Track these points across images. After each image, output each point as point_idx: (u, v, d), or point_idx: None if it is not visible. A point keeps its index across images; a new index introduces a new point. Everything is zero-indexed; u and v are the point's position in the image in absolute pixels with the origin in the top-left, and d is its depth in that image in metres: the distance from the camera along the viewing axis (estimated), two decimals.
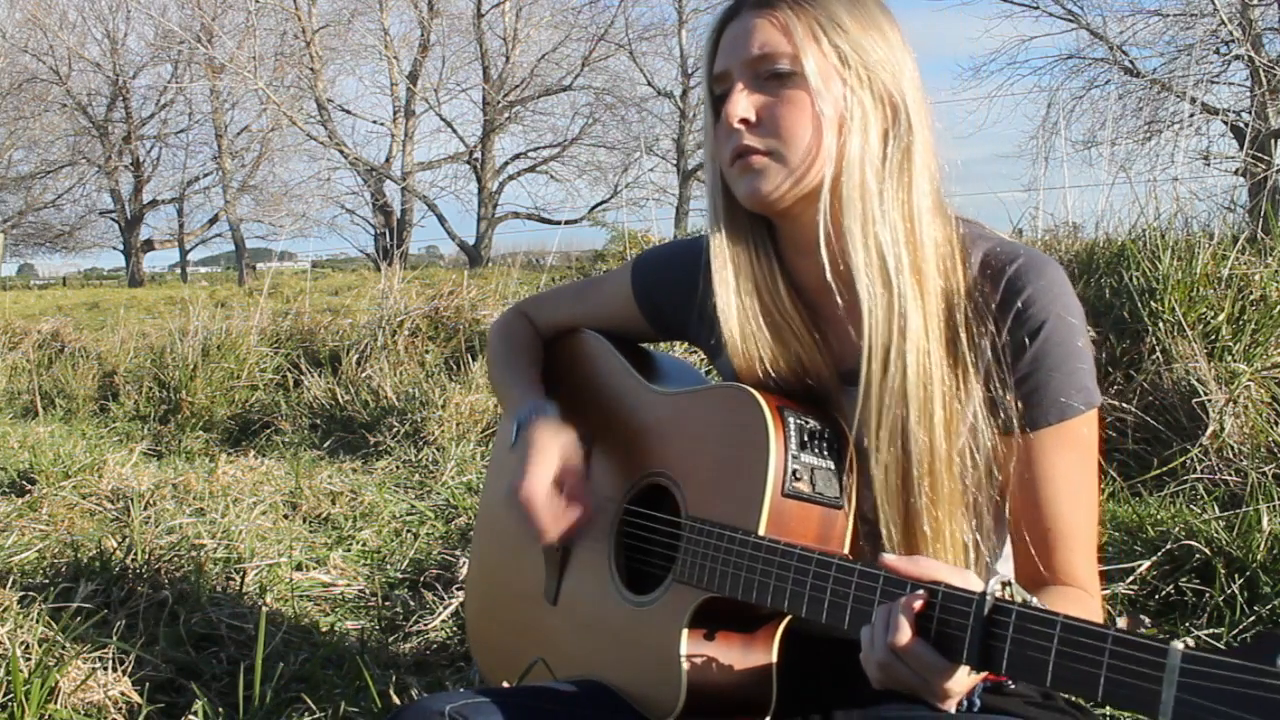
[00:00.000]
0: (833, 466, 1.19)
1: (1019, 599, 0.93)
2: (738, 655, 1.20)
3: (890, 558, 1.01)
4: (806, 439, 1.18)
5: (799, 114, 1.18)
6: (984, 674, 0.99)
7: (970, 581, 0.99)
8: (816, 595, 1.07)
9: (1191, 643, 0.79)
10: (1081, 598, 1.17)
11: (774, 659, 1.20)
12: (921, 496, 1.16)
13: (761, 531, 1.15)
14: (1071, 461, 1.18)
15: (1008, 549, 1.26)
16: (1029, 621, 0.89)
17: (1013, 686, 1.11)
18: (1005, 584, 0.94)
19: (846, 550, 1.18)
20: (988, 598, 0.92)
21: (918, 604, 0.97)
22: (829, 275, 1.20)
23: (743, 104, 1.20)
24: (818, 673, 1.26)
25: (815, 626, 1.10)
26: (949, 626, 0.95)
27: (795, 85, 1.19)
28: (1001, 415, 1.17)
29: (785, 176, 1.20)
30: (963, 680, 0.97)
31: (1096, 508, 1.22)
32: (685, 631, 1.19)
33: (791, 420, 1.18)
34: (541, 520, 1.34)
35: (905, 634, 0.96)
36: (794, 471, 1.16)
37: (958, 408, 1.17)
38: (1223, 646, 2.02)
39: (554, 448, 1.36)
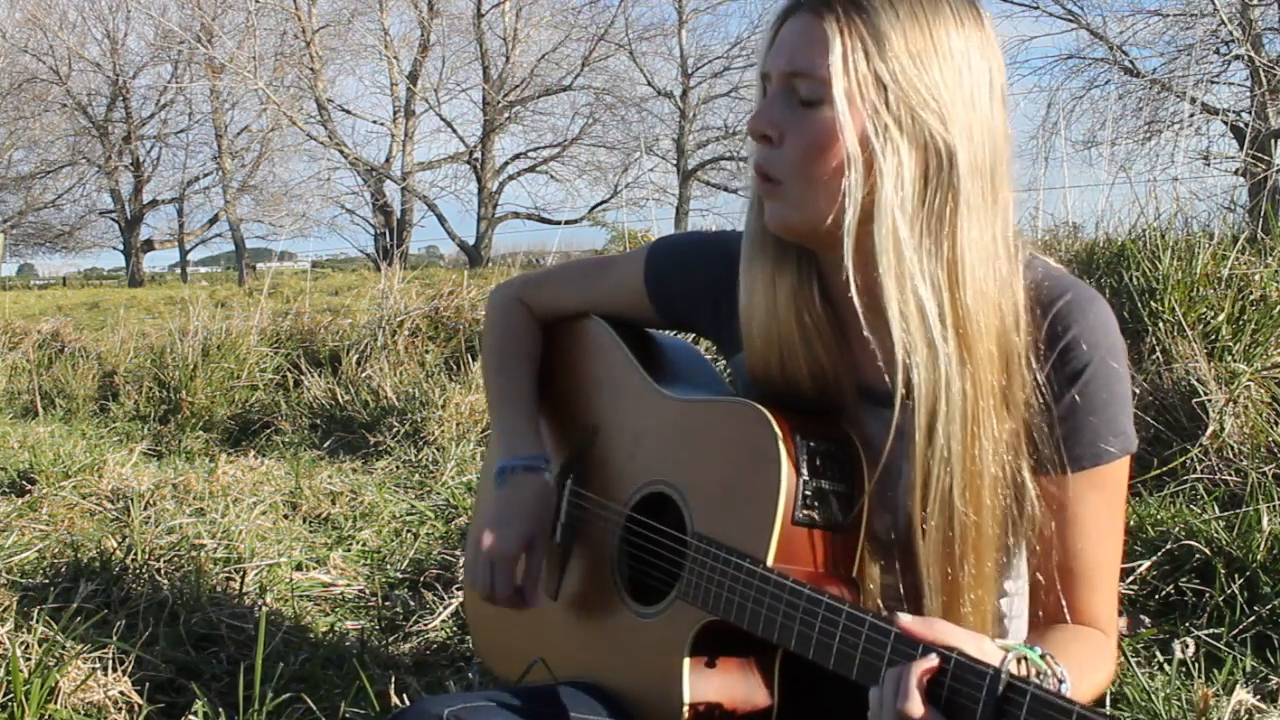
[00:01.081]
0: (844, 489, 1.16)
1: (1034, 670, 0.91)
2: (739, 682, 1.19)
3: (905, 619, 0.97)
4: (819, 462, 1.15)
5: (819, 144, 1.10)
6: None
7: (986, 650, 0.96)
8: (824, 640, 1.05)
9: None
10: (1097, 638, 1.15)
11: (775, 688, 1.19)
12: (963, 571, 1.13)
13: (770, 559, 1.12)
14: (1101, 504, 1.15)
15: (1020, 572, 1.24)
16: (1043, 705, 0.87)
17: None
18: (1020, 659, 0.92)
19: (855, 572, 1.17)
20: (1003, 674, 0.90)
21: (929, 674, 0.94)
22: (865, 329, 1.13)
23: (764, 119, 1.14)
24: (820, 699, 1.25)
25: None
26: (960, 696, 0.92)
27: (823, 113, 1.10)
28: (1039, 458, 1.14)
29: (795, 208, 1.14)
30: None
31: (1120, 549, 1.20)
32: (687, 661, 1.18)
33: (804, 443, 1.15)
34: (496, 581, 1.40)
35: (916, 705, 0.93)
36: (804, 498, 1.14)
37: (1007, 471, 1.12)
38: (1223, 646, 2.02)
39: (529, 520, 1.40)
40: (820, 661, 1.06)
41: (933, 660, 0.94)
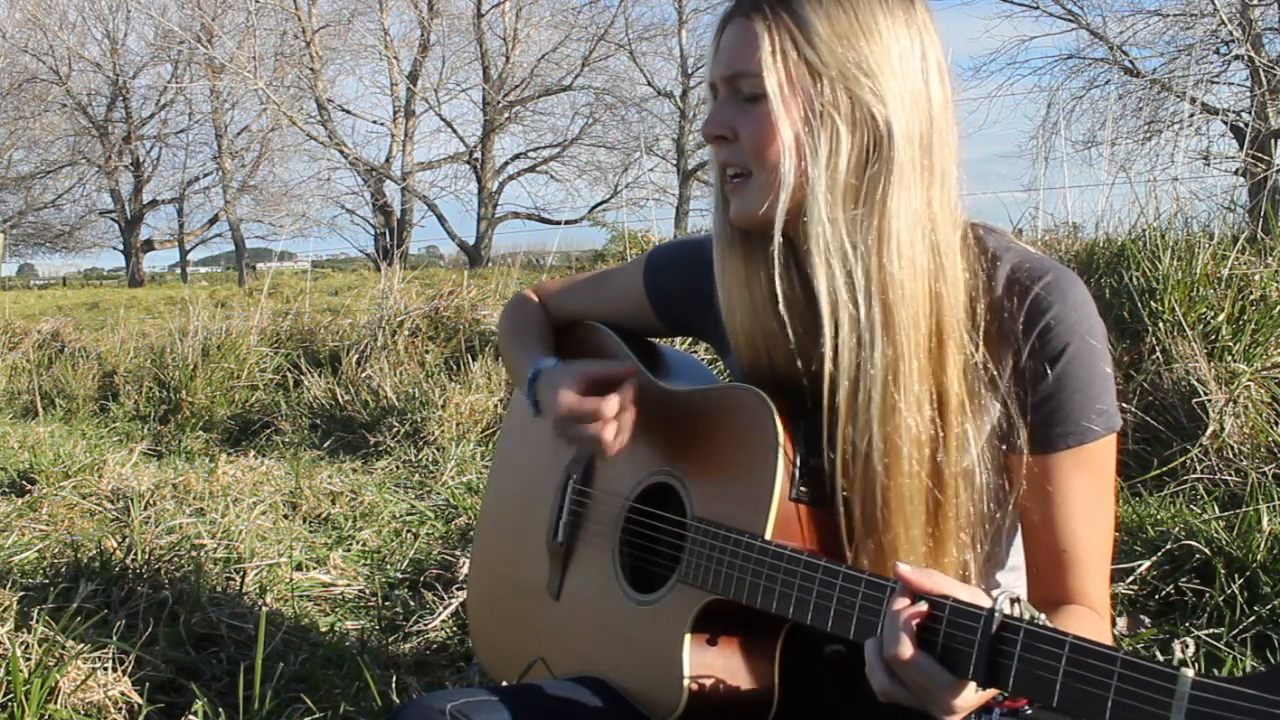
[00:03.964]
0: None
1: (1028, 616, 0.92)
2: (739, 661, 1.20)
3: (904, 568, 0.99)
4: (815, 443, 1.17)
5: (764, 135, 1.15)
6: (994, 692, 0.97)
7: (980, 598, 0.97)
8: (822, 603, 1.06)
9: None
10: (1091, 618, 1.16)
11: (775, 667, 1.20)
12: (888, 535, 1.13)
13: (768, 535, 1.14)
14: (1089, 484, 1.16)
15: (1014, 560, 1.25)
16: (1037, 640, 0.88)
17: (1029, 712, 1.09)
18: (1014, 600, 0.93)
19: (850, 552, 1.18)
20: (996, 614, 0.91)
21: (917, 618, 0.96)
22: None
23: (713, 121, 1.19)
24: (819, 681, 1.26)
25: (819, 632, 1.09)
26: (955, 641, 0.94)
27: (762, 105, 1.15)
28: (1016, 435, 1.15)
29: (760, 197, 1.18)
30: (970, 697, 0.96)
31: (1112, 530, 1.20)
32: (688, 637, 1.19)
33: (800, 424, 1.17)
34: (595, 416, 1.29)
35: (906, 648, 0.95)
36: (801, 476, 1.16)
37: (934, 435, 1.13)
38: (1223, 646, 2.02)
39: (567, 378, 1.34)
40: (818, 625, 1.07)
41: (921, 606, 0.96)
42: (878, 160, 1.13)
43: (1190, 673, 0.78)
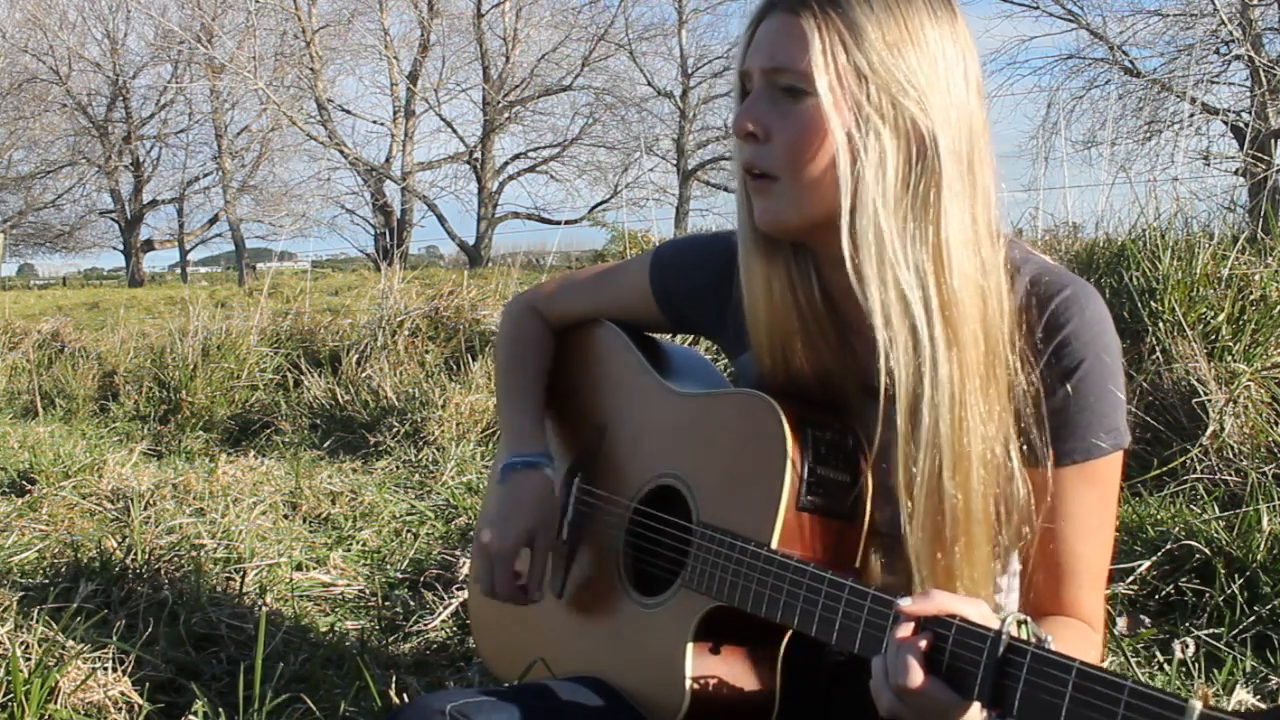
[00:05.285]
0: (848, 480, 1.17)
1: (1033, 637, 0.92)
2: (742, 669, 1.19)
3: (904, 603, 0.98)
4: (824, 451, 1.16)
5: (806, 137, 1.12)
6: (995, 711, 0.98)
7: (984, 613, 0.96)
8: (827, 616, 1.06)
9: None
10: (1084, 630, 1.16)
11: (777, 674, 1.19)
12: (954, 554, 1.12)
13: (774, 543, 1.13)
14: (1092, 500, 1.16)
15: (1014, 565, 1.24)
16: (1044, 664, 0.88)
17: None
18: (1021, 622, 0.93)
19: (858, 562, 1.17)
20: (1003, 636, 0.91)
21: (924, 644, 0.95)
22: (869, 319, 1.13)
23: (749, 117, 1.15)
24: (821, 687, 1.25)
25: (821, 642, 1.09)
26: (961, 661, 0.93)
27: (807, 105, 1.12)
28: (1029, 449, 1.14)
29: (790, 204, 1.15)
30: (975, 716, 0.96)
31: (1111, 543, 1.20)
32: (691, 645, 1.19)
33: (810, 432, 1.16)
34: (495, 577, 1.40)
35: (916, 677, 0.94)
36: (809, 485, 1.15)
37: (995, 453, 1.13)
38: (1223, 646, 2.02)
39: (529, 516, 1.40)
40: (823, 637, 1.06)
41: (928, 634, 0.95)
42: (923, 173, 1.11)
43: (1198, 704, 0.78)
